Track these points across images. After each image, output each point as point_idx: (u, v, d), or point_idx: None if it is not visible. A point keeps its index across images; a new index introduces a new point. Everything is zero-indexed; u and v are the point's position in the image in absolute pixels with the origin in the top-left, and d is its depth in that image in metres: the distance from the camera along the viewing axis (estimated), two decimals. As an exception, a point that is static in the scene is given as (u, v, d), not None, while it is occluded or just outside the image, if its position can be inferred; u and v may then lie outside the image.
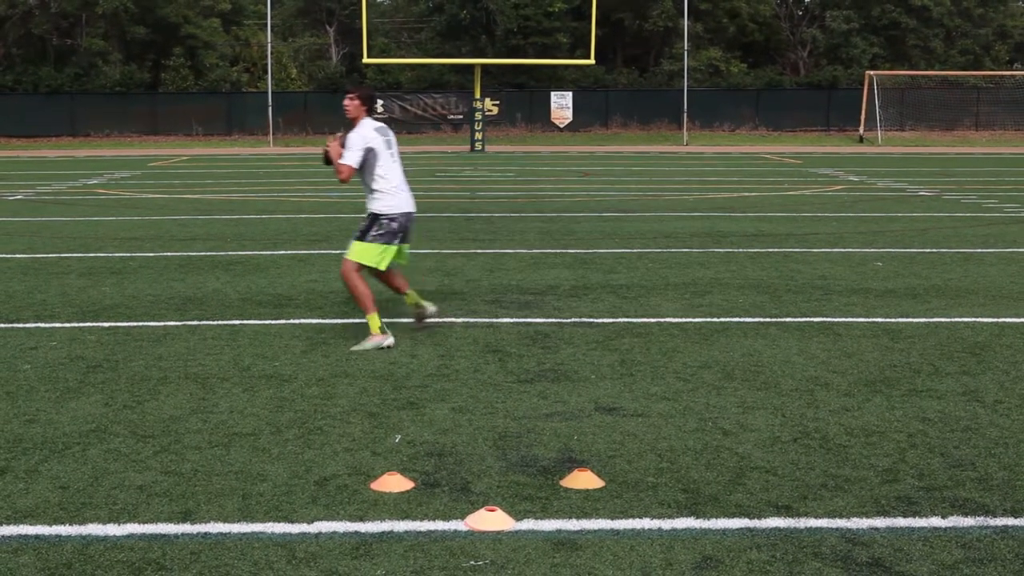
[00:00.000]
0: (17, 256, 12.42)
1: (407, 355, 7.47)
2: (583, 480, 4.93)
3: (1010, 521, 4.53)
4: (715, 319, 8.68)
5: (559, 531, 4.43)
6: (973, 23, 55.24)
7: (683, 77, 46.94)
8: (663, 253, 12.45)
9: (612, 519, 4.55)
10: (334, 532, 4.43)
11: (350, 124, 7.95)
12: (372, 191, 7.77)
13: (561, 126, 49.98)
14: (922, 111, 49.28)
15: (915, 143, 44.44)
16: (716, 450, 5.43)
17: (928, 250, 12.76)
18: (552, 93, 50.35)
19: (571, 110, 50.08)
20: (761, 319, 8.69)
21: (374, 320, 7.64)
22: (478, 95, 39.82)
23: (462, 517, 4.57)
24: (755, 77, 53.56)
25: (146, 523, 4.51)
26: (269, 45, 46.90)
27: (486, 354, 7.50)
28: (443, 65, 50.79)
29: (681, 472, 5.11)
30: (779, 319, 8.69)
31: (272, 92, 45.85)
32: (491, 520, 4.47)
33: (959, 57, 54.35)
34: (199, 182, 24.57)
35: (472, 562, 4.15)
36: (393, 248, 7.83)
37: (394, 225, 7.74)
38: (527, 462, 5.26)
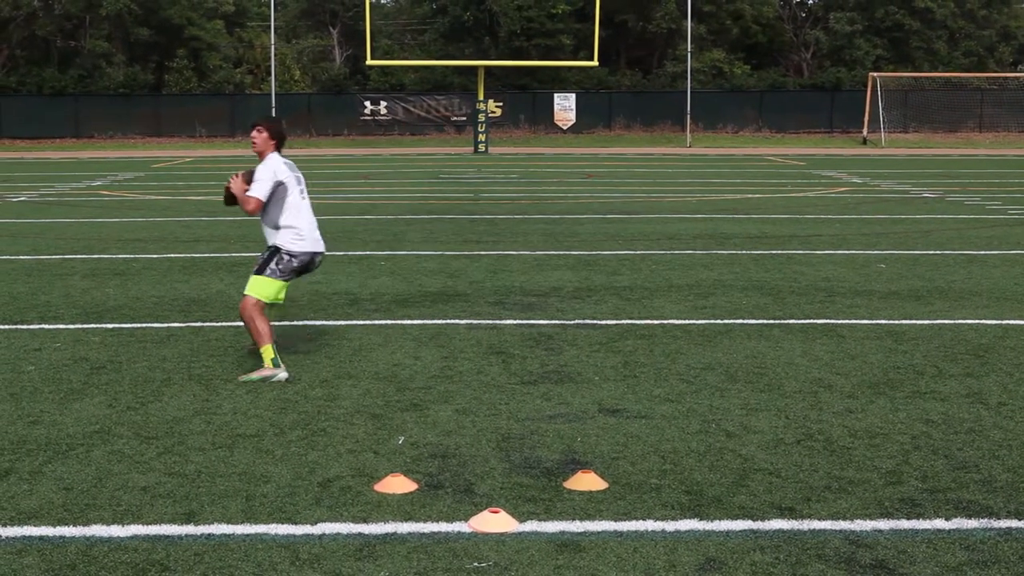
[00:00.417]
0: (21, 258, 12.43)
1: (411, 357, 7.47)
2: (586, 482, 4.93)
3: (1014, 523, 4.53)
4: (718, 321, 8.67)
5: (562, 533, 4.43)
6: (977, 25, 55.20)
7: (686, 79, 46.94)
8: (666, 255, 12.44)
9: (615, 521, 4.55)
10: (338, 533, 4.43)
11: (256, 160, 7.50)
12: (278, 227, 7.31)
13: (564, 128, 49.98)
14: (926, 113, 49.26)
15: (919, 145, 44.40)
16: (720, 452, 5.43)
17: (932, 252, 12.75)
18: (555, 95, 50.38)
19: (574, 112, 50.09)
20: (764, 321, 8.69)
21: (268, 352, 7.10)
22: (481, 97, 39.83)
23: (466, 519, 4.57)
24: (758, 79, 53.55)
25: (150, 524, 4.52)
26: (272, 47, 46.93)
27: (489, 356, 7.50)
28: (446, 67, 50.82)
29: (684, 474, 5.11)
30: (782, 321, 8.68)
31: (275, 94, 45.89)
32: (495, 522, 4.47)
33: (963, 59, 54.31)
34: (203, 184, 24.60)
35: (476, 564, 4.15)
36: (287, 283, 7.43)
37: (294, 263, 7.30)
38: (530, 464, 5.26)
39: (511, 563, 4.15)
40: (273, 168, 7.26)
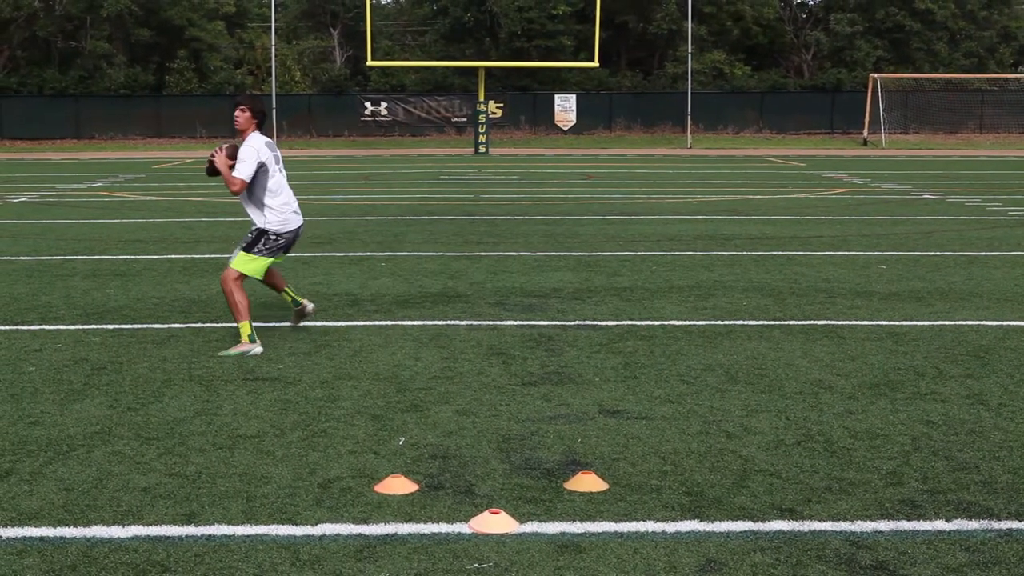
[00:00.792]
0: (22, 258, 12.44)
1: (411, 358, 7.47)
2: (587, 483, 4.93)
3: (1014, 524, 4.53)
4: (719, 322, 8.68)
5: (563, 534, 4.43)
6: (977, 26, 55.21)
7: (687, 80, 46.95)
8: (667, 256, 12.45)
9: (616, 522, 4.55)
10: (338, 534, 4.43)
11: (236, 134, 8.08)
12: (262, 206, 7.81)
13: (565, 129, 50.01)
14: (926, 114, 49.28)
15: (919, 146, 44.41)
16: (720, 453, 5.43)
17: (932, 253, 12.75)
18: (556, 96, 50.41)
19: (575, 113, 50.12)
20: (765, 322, 8.69)
21: (245, 327, 7.59)
22: (482, 98, 39.84)
23: (466, 519, 4.57)
24: (759, 80, 53.57)
25: (150, 525, 4.52)
26: (273, 48, 46.95)
27: (490, 357, 7.50)
28: (447, 68, 50.84)
29: (685, 475, 5.11)
30: (783, 322, 8.69)
31: (276, 95, 45.90)
32: (495, 523, 4.48)
33: (963, 60, 54.33)
34: (203, 185, 24.60)
35: (476, 564, 4.15)
36: (272, 260, 7.95)
37: (280, 242, 7.86)
38: (531, 465, 5.26)
39: (511, 564, 4.16)
40: (256, 148, 7.75)
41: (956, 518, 4.59)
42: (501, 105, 49.28)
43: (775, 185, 23.95)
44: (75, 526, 4.50)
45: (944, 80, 50.95)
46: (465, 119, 48.58)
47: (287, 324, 8.58)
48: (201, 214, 17.54)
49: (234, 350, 7.55)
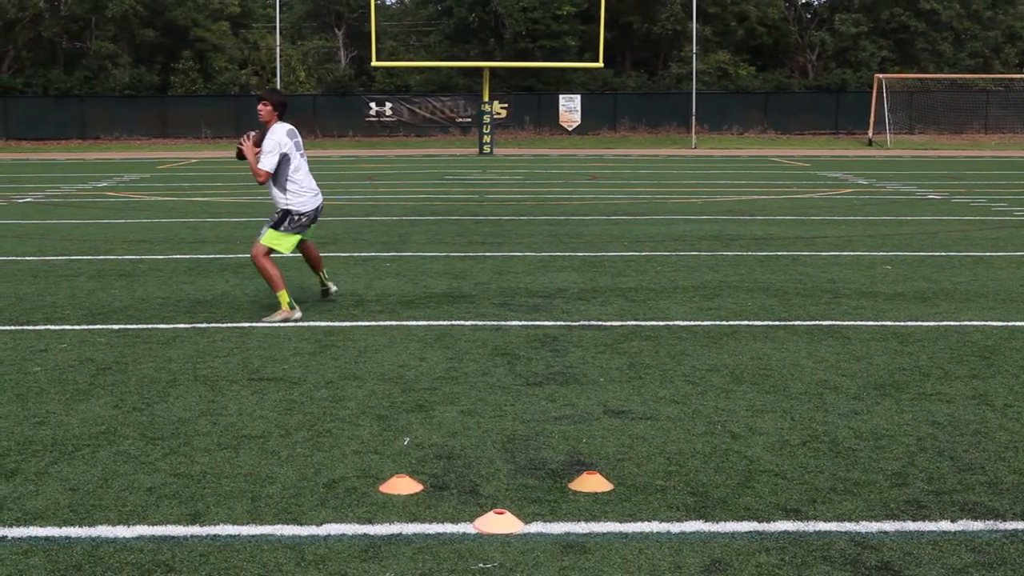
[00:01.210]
0: (27, 259, 12.45)
1: (416, 358, 7.48)
2: (592, 483, 4.93)
3: (1020, 525, 4.52)
4: (724, 322, 8.67)
5: (568, 534, 4.43)
6: (982, 26, 55.14)
7: (692, 80, 46.94)
8: (672, 256, 12.44)
9: (621, 522, 4.55)
10: (343, 534, 4.43)
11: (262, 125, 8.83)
12: (285, 190, 8.72)
13: (569, 129, 50.00)
14: (931, 114, 49.21)
15: (924, 146, 44.36)
16: (725, 453, 5.43)
17: (937, 253, 12.73)
18: (560, 96, 50.41)
19: (579, 113, 50.11)
20: (770, 322, 8.68)
21: (284, 296, 8.62)
22: (486, 98, 39.85)
23: (471, 520, 4.57)
24: (764, 80, 53.54)
25: (155, 525, 4.52)
26: (278, 48, 46.99)
27: (495, 357, 7.50)
28: (451, 68, 50.84)
29: (690, 475, 5.11)
30: (788, 322, 8.68)
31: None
32: (500, 523, 4.48)
33: (968, 60, 54.26)
34: (208, 185, 24.64)
35: (481, 565, 4.15)
36: (300, 236, 8.91)
37: (304, 219, 8.80)
38: (536, 465, 5.26)
39: (516, 564, 4.15)
40: (277, 140, 8.58)
41: (961, 519, 4.58)
42: (506, 105, 49.28)
43: (780, 185, 23.93)
44: (80, 526, 4.51)
45: (949, 80, 50.87)
46: (470, 119, 48.58)
47: (291, 324, 8.59)
48: (206, 214, 17.56)
49: (277, 316, 8.58)
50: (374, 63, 41.55)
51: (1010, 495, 4.86)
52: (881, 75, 46.74)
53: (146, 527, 4.50)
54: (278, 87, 45.75)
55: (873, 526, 4.50)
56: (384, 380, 6.88)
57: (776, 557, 4.21)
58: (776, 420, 6.00)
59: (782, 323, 8.65)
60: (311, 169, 9.11)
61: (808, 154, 38.91)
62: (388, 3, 66.46)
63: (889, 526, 4.51)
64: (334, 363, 7.33)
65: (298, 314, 8.60)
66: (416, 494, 4.86)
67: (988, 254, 12.66)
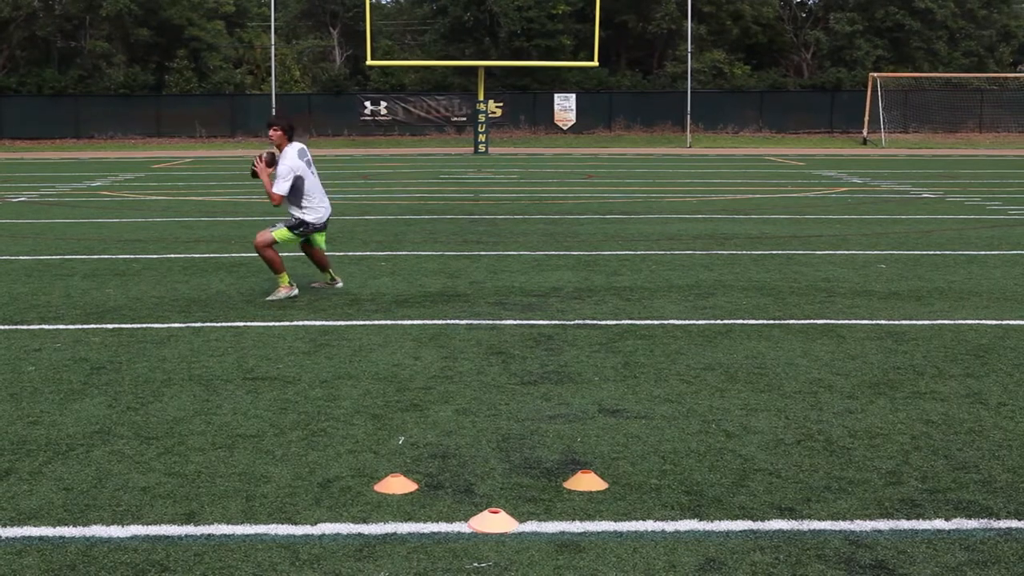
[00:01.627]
0: (21, 258, 12.43)
1: (410, 357, 7.47)
2: (586, 482, 4.93)
3: (1014, 523, 4.53)
4: (719, 321, 8.68)
5: (562, 533, 4.43)
6: (977, 25, 55.20)
7: (687, 79, 46.95)
8: (666, 255, 12.45)
9: (615, 521, 4.55)
10: (337, 534, 4.43)
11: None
12: (300, 206, 9.58)
13: (564, 128, 50.00)
14: (926, 113, 49.28)
15: (919, 145, 44.41)
16: (719, 452, 5.43)
17: (932, 252, 12.75)
18: (555, 95, 50.40)
19: (574, 112, 50.11)
20: (765, 321, 8.69)
21: (284, 277, 9.47)
22: (481, 97, 39.83)
23: (466, 519, 4.57)
24: (759, 79, 53.57)
25: (150, 525, 4.52)
26: (273, 47, 46.93)
27: (489, 356, 7.50)
28: (447, 67, 50.83)
29: (684, 474, 5.11)
30: (783, 321, 8.69)
31: (276, 94, 45.89)
32: (494, 522, 4.48)
33: (963, 59, 54.31)
34: (203, 184, 24.61)
35: (475, 564, 4.15)
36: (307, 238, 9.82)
37: (315, 227, 9.73)
38: (530, 464, 5.26)
39: (511, 563, 4.16)
40: (290, 165, 9.35)
41: (955, 517, 4.59)
42: (501, 104, 49.28)
43: (775, 184, 23.95)
44: (74, 525, 4.50)
45: (944, 79, 50.95)
46: (465, 118, 48.58)
47: (285, 324, 8.59)
48: (200, 213, 17.54)
49: (280, 293, 9.38)
50: (369, 62, 41.50)
51: (1004, 493, 4.87)
52: (876, 74, 46.78)
53: (140, 527, 4.49)
54: (273, 86, 45.72)
55: (867, 525, 4.51)
56: (379, 379, 6.88)
57: (771, 556, 4.22)
58: (771, 419, 6.00)
59: (777, 322, 8.66)
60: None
61: (803, 153, 38.95)
62: (383, 2, 66.47)
63: (883, 525, 4.51)
64: (329, 362, 7.33)
65: (295, 292, 9.48)
66: (411, 493, 4.86)
67: (982, 253, 12.68)
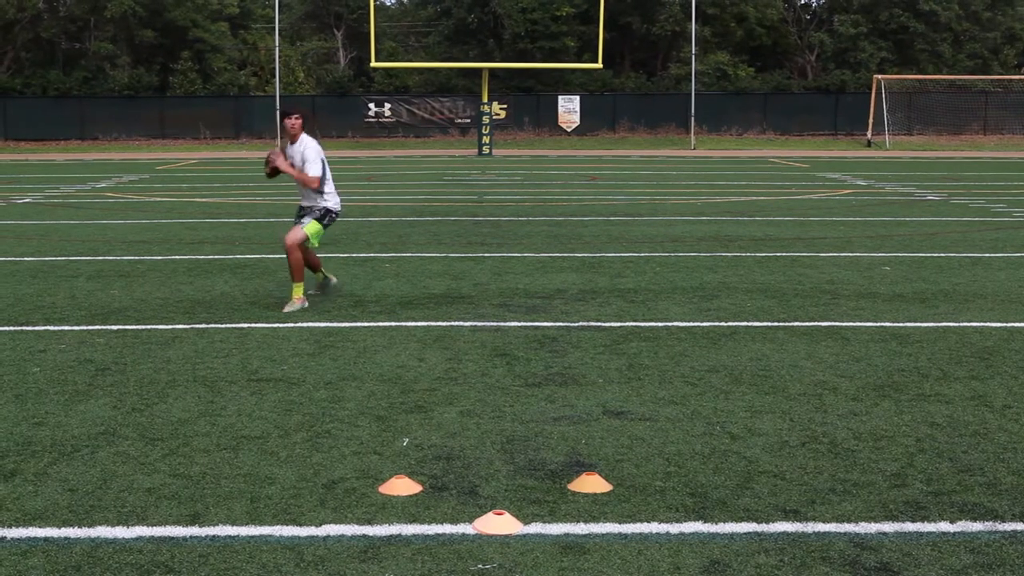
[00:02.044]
0: (26, 259, 12.45)
1: (415, 359, 7.48)
2: (591, 484, 4.93)
3: (1019, 526, 4.52)
4: (723, 323, 8.67)
5: (567, 535, 4.43)
6: (981, 27, 55.16)
7: (691, 81, 46.93)
8: (671, 257, 12.44)
9: (620, 523, 4.55)
10: (342, 535, 4.43)
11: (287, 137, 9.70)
12: (322, 193, 9.65)
13: (568, 130, 50.00)
14: (930, 115, 49.24)
15: (923, 147, 44.36)
16: (724, 454, 5.43)
17: (936, 254, 12.74)
18: (559, 97, 50.40)
19: (578, 114, 50.11)
20: (769, 323, 8.69)
21: (300, 288, 9.33)
22: (485, 99, 39.83)
23: (470, 520, 4.57)
24: (763, 81, 53.54)
25: (155, 526, 4.52)
26: (277, 49, 46.97)
27: (494, 358, 7.50)
28: (451, 69, 50.82)
29: (689, 476, 5.11)
30: (787, 323, 8.68)
31: (280, 96, 45.92)
32: (499, 524, 4.48)
33: (967, 61, 54.27)
34: (207, 185, 24.64)
35: (480, 565, 4.15)
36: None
37: (336, 217, 9.81)
38: (535, 466, 5.26)
39: (515, 565, 4.16)
40: (316, 149, 9.62)
41: (960, 520, 4.58)
42: (505, 106, 49.28)
43: (779, 186, 23.94)
44: (79, 527, 4.51)
45: (948, 81, 50.87)
46: (469, 120, 48.59)
47: (289, 325, 8.60)
48: (205, 215, 17.56)
49: (296, 304, 9.24)
50: (373, 64, 41.51)
51: (1009, 496, 4.86)
52: (880, 76, 46.73)
53: (145, 528, 4.50)
54: (277, 88, 45.76)
55: (872, 527, 4.51)
56: (383, 381, 6.88)
57: (775, 558, 4.21)
58: (775, 421, 6.00)
59: (781, 324, 8.66)
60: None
61: (807, 155, 38.92)
62: (387, 4, 66.51)
63: (888, 527, 4.51)
64: (333, 364, 7.33)
65: (306, 303, 9.39)
66: (415, 495, 4.87)
67: (987, 255, 12.66)
